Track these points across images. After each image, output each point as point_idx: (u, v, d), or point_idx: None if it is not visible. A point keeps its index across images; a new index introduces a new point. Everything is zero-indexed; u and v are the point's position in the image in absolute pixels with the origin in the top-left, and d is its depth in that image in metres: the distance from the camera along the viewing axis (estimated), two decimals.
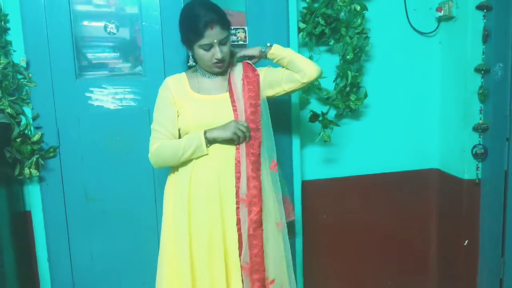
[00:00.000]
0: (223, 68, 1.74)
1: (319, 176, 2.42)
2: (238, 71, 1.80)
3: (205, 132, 1.67)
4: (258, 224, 1.72)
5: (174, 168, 1.79)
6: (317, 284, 2.48)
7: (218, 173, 1.71)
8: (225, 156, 1.72)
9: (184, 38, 1.72)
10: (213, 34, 1.63)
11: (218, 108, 1.73)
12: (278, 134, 1.98)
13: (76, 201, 2.12)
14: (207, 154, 1.69)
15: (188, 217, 1.71)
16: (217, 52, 1.66)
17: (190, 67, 1.85)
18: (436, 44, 2.48)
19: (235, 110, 1.73)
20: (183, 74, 1.82)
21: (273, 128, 1.83)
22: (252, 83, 1.76)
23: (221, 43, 1.67)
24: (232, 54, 1.79)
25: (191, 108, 1.73)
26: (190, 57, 1.77)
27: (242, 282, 1.72)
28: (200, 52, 1.68)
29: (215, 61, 1.69)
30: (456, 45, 2.38)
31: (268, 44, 1.79)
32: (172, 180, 1.80)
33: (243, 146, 1.72)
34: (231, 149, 1.72)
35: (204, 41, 1.64)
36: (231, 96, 1.75)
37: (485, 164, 2.36)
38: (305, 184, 2.38)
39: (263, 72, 1.82)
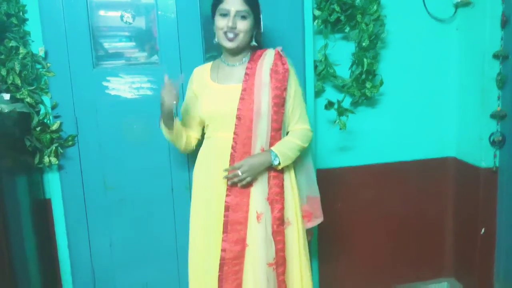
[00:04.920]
0: (234, 43, 1.70)
1: (334, 165, 2.42)
2: (268, 59, 1.74)
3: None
4: (281, 221, 1.75)
5: (197, 159, 1.86)
6: (332, 272, 2.49)
7: (226, 162, 1.74)
8: (226, 145, 1.75)
9: (212, 6, 1.74)
10: (232, 1, 1.66)
11: (227, 97, 1.73)
12: None
13: (95, 189, 2.15)
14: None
15: (200, 205, 1.82)
16: (230, 21, 1.66)
17: (211, 57, 1.90)
18: (453, 30, 2.44)
19: (242, 99, 1.70)
20: (209, 64, 1.85)
21: None
22: (280, 81, 1.72)
23: (239, 15, 1.67)
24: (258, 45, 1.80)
25: (205, 97, 1.77)
26: (216, 36, 1.76)
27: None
28: (217, 18, 1.70)
29: (226, 29, 1.67)
30: (474, 31, 2.34)
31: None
32: (196, 169, 1.87)
33: (257, 145, 1.73)
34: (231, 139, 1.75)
35: (223, 5, 1.67)
36: (247, 84, 1.71)
37: (503, 152, 2.34)
38: (320, 173, 2.36)
39: (293, 87, 1.78)
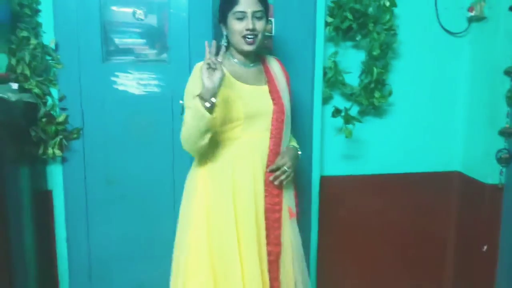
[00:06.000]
0: (253, 46, 1.65)
1: (339, 173, 2.40)
2: (275, 65, 1.80)
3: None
4: (298, 216, 1.81)
5: (208, 161, 1.70)
6: (331, 281, 2.46)
7: (262, 164, 1.69)
8: (261, 147, 1.71)
9: (220, 9, 1.70)
10: (248, 2, 1.61)
11: (262, 98, 1.70)
12: (299, 128, 1.97)
13: (97, 183, 2.15)
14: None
15: (234, 209, 1.65)
16: (249, 23, 1.61)
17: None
18: (466, 44, 2.42)
19: (274, 102, 1.70)
20: None
21: (295, 121, 1.85)
22: (289, 85, 1.79)
23: (255, 16, 1.63)
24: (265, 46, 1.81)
25: (240, 97, 1.65)
26: (224, 37, 1.71)
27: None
28: (232, 23, 1.63)
29: (246, 32, 1.62)
30: (486, 47, 2.32)
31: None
32: (206, 173, 1.70)
33: (284, 146, 1.75)
34: (266, 140, 1.72)
35: (238, 8, 1.61)
36: (272, 87, 1.72)
37: (509, 169, 2.31)
38: (323, 180, 2.36)
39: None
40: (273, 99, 1.70)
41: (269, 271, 1.70)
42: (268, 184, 1.69)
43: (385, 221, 2.50)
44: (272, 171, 1.68)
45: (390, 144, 2.44)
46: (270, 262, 1.70)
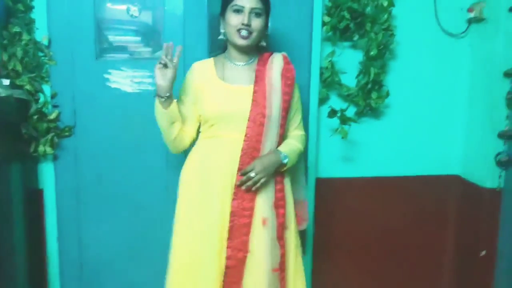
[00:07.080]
0: (247, 41, 1.64)
1: (335, 175, 2.37)
2: (277, 63, 1.73)
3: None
4: (283, 226, 1.73)
5: (190, 159, 1.77)
6: (327, 286, 2.43)
7: (232, 166, 1.67)
8: (234, 148, 1.68)
9: (222, 3, 1.70)
10: None
11: (239, 99, 1.68)
12: None
13: (88, 182, 2.13)
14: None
15: (198, 208, 1.69)
16: (245, 18, 1.61)
17: (216, 52, 1.81)
18: (465, 46, 2.39)
19: (254, 103, 1.66)
20: (211, 60, 1.77)
21: None
22: (289, 86, 1.72)
23: (253, 13, 1.63)
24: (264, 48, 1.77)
25: (212, 96, 1.69)
26: (222, 32, 1.73)
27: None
28: (229, 15, 1.64)
29: (240, 26, 1.62)
30: (486, 48, 2.29)
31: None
32: (188, 169, 1.77)
33: (266, 149, 1.69)
34: (241, 142, 1.68)
35: (237, 1, 1.62)
36: (258, 87, 1.68)
37: (508, 173, 2.27)
38: (319, 182, 2.33)
39: (296, 92, 1.79)
40: (254, 100, 1.67)
41: (228, 275, 1.66)
42: (238, 187, 1.66)
43: (382, 224, 2.47)
44: (243, 175, 1.64)
45: (387, 146, 2.40)
46: (231, 267, 1.66)
